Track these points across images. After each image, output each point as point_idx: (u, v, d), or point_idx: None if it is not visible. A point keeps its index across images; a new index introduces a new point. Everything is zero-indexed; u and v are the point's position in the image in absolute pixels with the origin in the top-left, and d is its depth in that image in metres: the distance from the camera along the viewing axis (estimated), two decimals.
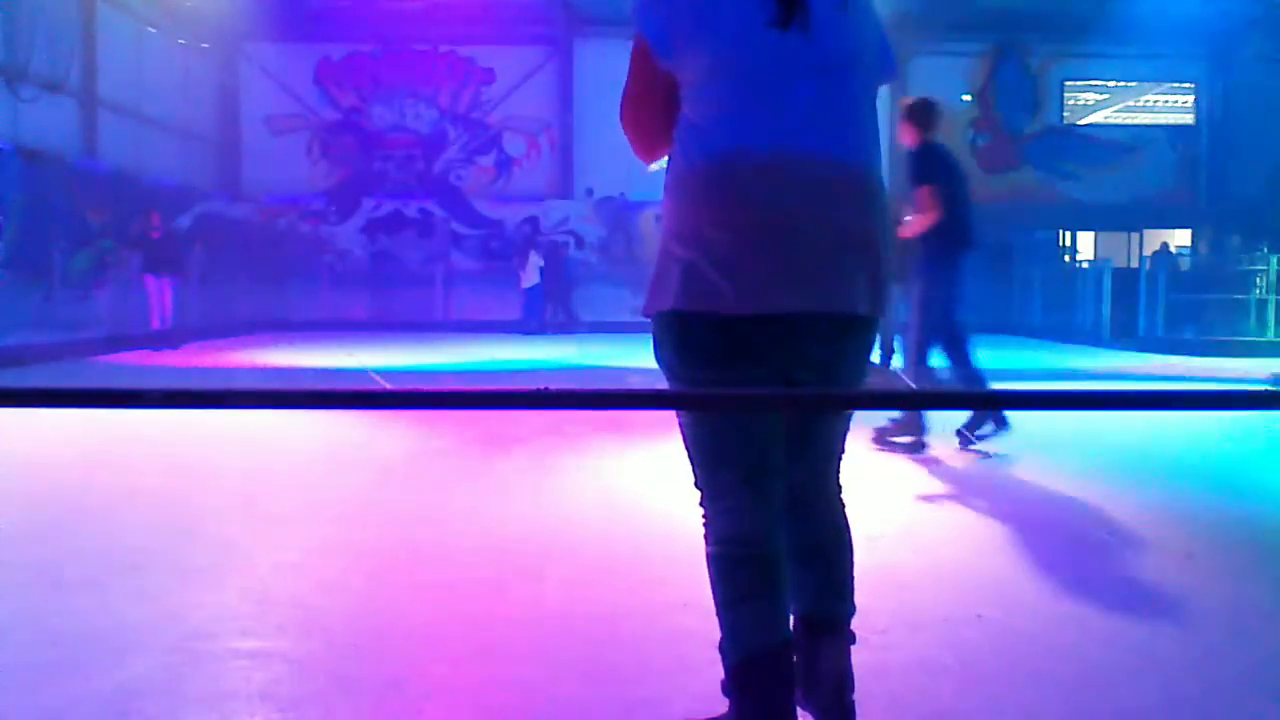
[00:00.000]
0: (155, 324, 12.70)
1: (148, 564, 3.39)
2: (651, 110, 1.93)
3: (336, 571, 3.35)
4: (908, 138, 5.55)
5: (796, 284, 1.80)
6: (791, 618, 1.96)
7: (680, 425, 1.94)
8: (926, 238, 5.40)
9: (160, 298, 12.63)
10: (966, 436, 5.62)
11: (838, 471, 2.07)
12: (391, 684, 2.39)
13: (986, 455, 5.50)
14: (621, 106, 1.97)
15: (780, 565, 1.89)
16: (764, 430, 1.89)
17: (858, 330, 1.92)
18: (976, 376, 5.54)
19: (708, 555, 1.93)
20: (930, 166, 5.45)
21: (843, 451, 2.08)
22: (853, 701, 1.99)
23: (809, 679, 1.97)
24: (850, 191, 1.86)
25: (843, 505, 2.06)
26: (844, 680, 1.98)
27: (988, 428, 5.59)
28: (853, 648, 2.02)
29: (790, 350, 1.85)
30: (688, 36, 1.83)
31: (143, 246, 12.88)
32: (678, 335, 1.87)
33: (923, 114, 5.54)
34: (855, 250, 1.85)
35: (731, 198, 1.81)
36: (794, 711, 1.87)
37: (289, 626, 2.80)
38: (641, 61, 1.91)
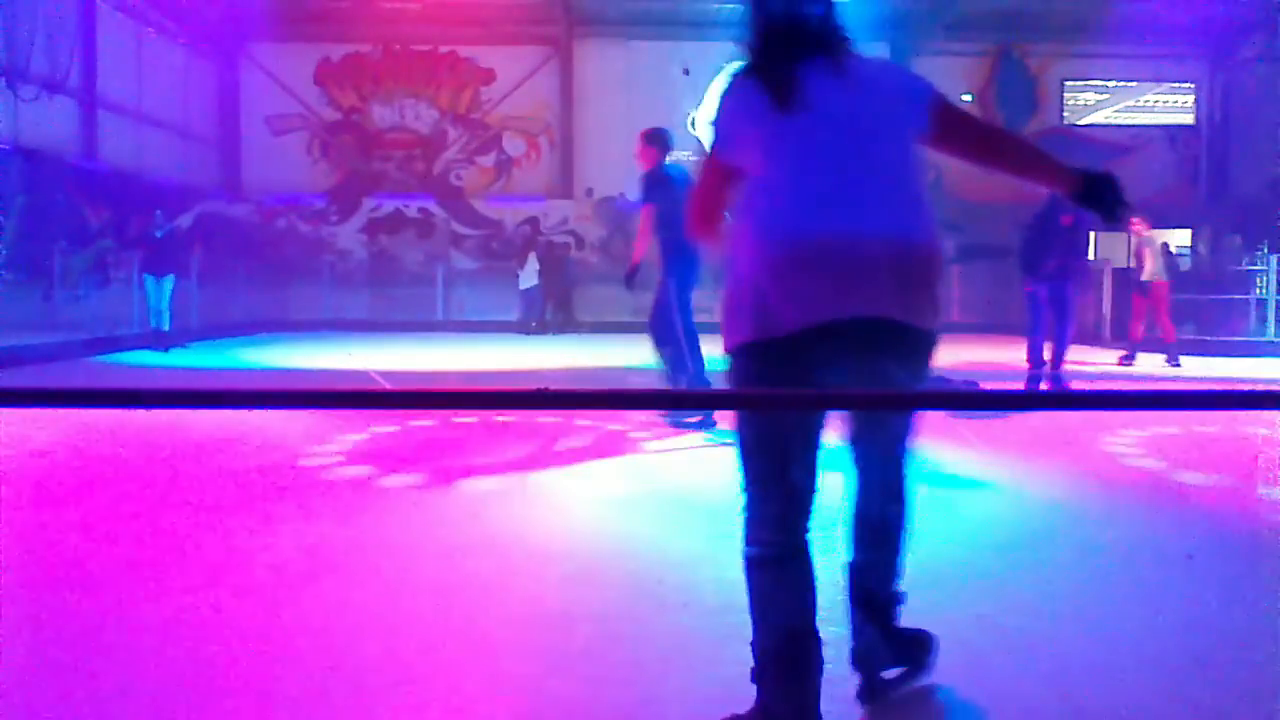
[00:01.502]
0: (154, 324, 12.69)
1: (146, 563, 3.39)
2: (721, 194, 2.15)
3: (334, 571, 3.35)
4: (645, 161, 6.30)
5: (853, 298, 1.95)
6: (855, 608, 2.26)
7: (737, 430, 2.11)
8: (664, 252, 6.10)
9: (160, 298, 12.62)
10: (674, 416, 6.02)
11: (905, 456, 2.25)
12: (390, 685, 2.39)
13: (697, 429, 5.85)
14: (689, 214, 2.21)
15: (804, 565, 2.03)
16: (791, 435, 2.02)
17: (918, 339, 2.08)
18: (703, 377, 5.99)
19: (743, 553, 2.09)
20: (650, 188, 6.16)
21: (913, 435, 2.27)
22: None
23: (882, 651, 2.28)
24: (889, 255, 1.96)
25: (905, 486, 2.25)
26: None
27: (695, 416, 5.99)
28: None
29: (859, 358, 1.99)
30: (735, 140, 2.08)
31: (143, 246, 12.86)
32: (763, 357, 1.98)
33: (658, 140, 6.36)
34: (915, 274, 2.00)
35: (784, 259, 1.97)
36: (813, 706, 1.99)
37: (285, 627, 2.80)
38: (711, 169, 2.15)
